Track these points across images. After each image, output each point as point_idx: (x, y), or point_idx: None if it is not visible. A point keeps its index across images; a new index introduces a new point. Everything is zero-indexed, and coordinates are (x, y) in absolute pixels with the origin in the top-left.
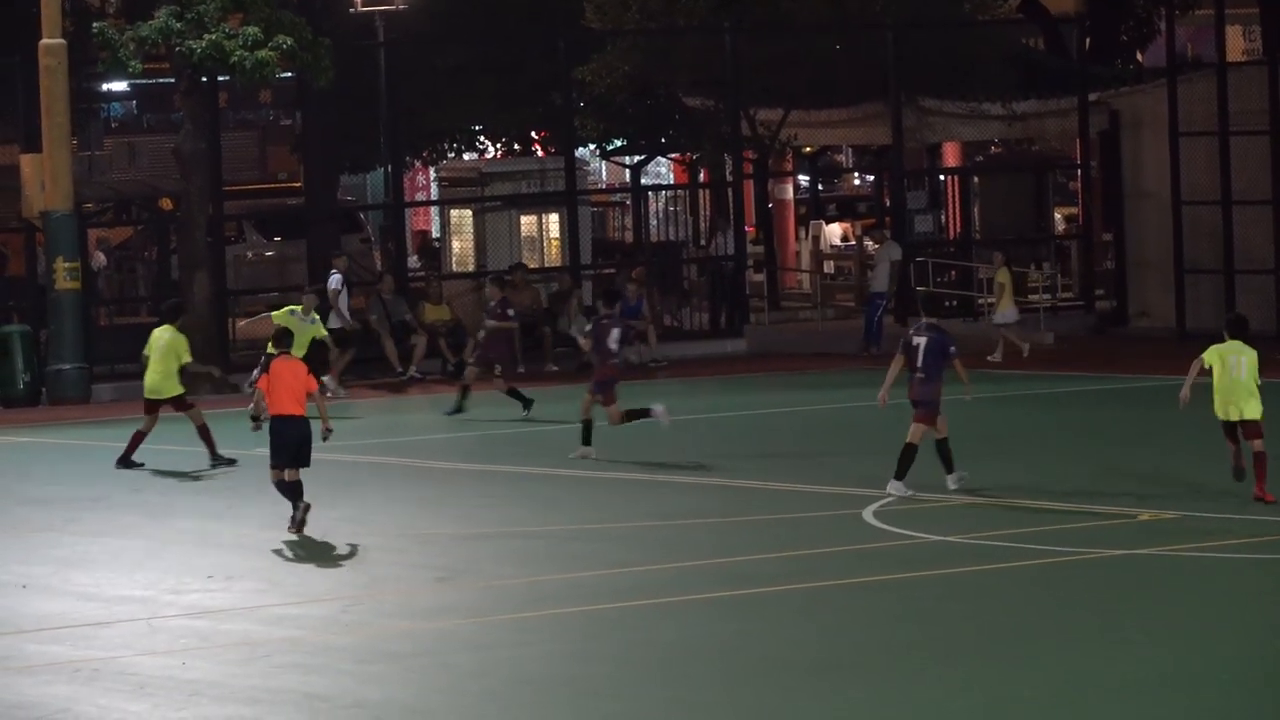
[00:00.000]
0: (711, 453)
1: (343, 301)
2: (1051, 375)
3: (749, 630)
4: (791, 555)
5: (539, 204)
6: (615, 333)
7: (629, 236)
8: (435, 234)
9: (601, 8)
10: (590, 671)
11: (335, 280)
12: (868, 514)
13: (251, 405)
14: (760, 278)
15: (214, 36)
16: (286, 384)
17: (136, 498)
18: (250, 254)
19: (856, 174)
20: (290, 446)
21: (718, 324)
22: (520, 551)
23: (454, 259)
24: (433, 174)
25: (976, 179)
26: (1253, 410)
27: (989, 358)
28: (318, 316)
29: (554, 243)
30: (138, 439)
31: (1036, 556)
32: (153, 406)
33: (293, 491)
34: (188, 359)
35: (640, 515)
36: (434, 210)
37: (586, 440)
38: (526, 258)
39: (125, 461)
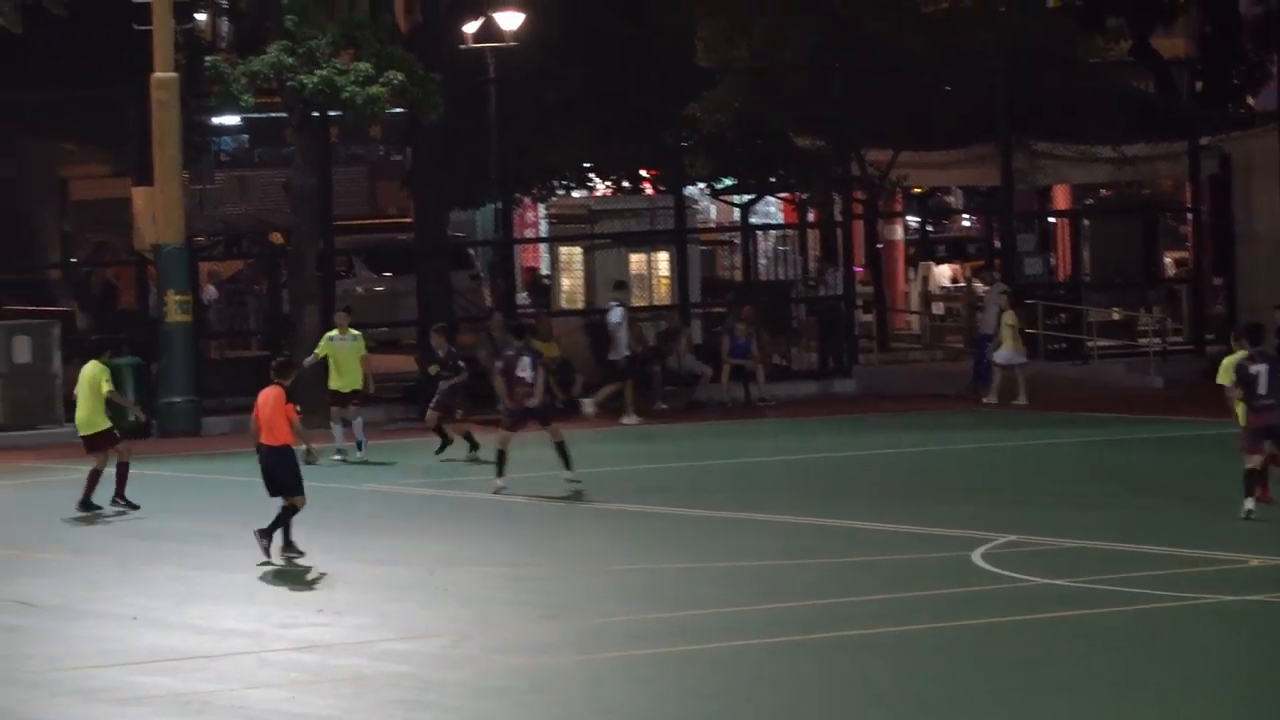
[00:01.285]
0: (819, 493)
1: (623, 333)
2: (1160, 420)
3: (853, 671)
4: (897, 597)
5: (648, 242)
6: (525, 361)
7: (737, 275)
8: (544, 271)
9: (711, 45)
10: (695, 710)
11: (617, 313)
12: (976, 556)
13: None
14: (869, 318)
15: (326, 72)
16: (264, 414)
17: (245, 532)
18: (360, 288)
19: (966, 215)
20: (267, 474)
21: (826, 364)
22: (625, 589)
23: (563, 296)
24: (542, 210)
25: (1086, 222)
26: None
27: (984, 399)
28: (356, 332)
29: (663, 281)
30: (94, 479)
31: (1145, 601)
32: (93, 443)
33: (283, 519)
34: (109, 389)
35: (748, 554)
36: (543, 247)
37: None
38: (636, 296)
39: (85, 504)
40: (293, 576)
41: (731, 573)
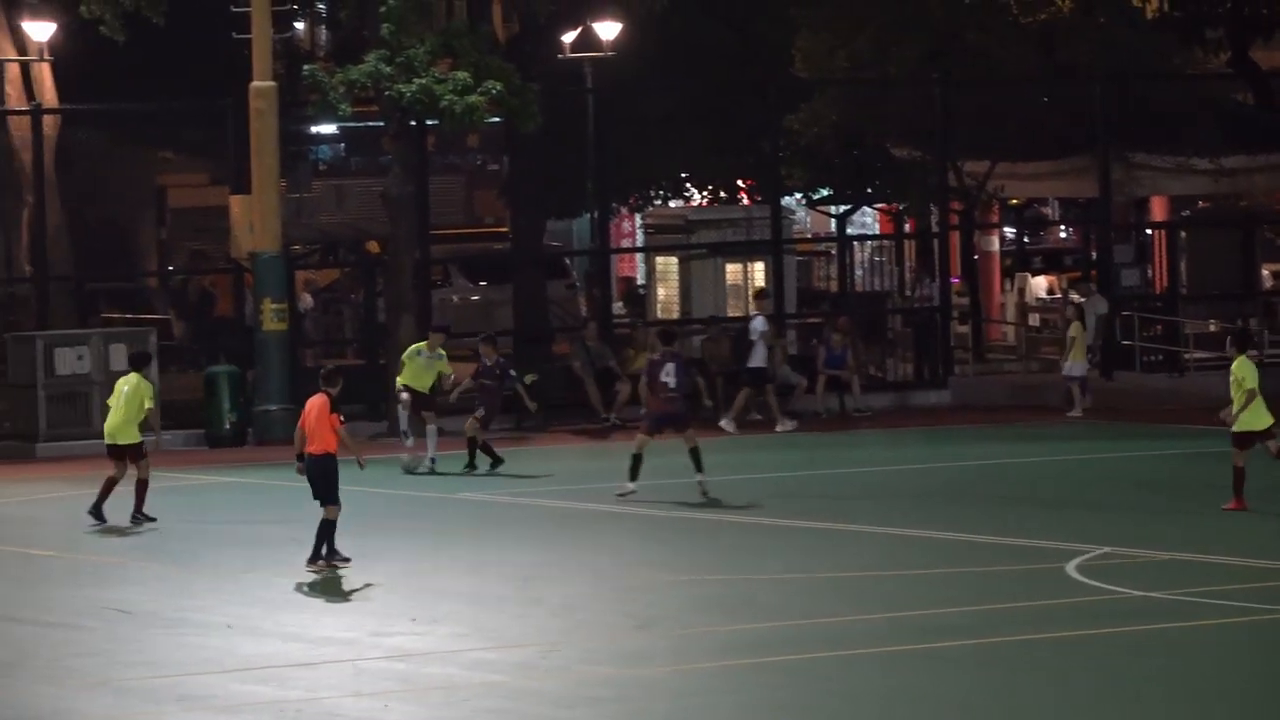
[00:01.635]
0: (912, 504)
1: (760, 344)
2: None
3: (947, 681)
4: (992, 609)
5: (744, 252)
6: (670, 367)
7: (834, 286)
8: (640, 281)
9: (810, 56)
10: None
11: (759, 322)
12: (1071, 568)
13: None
14: (965, 329)
15: (424, 81)
16: (309, 423)
17: (341, 540)
18: (456, 297)
19: (1063, 227)
20: (312, 483)
21: (921, 375)
22: (718, 599)
23: (659, 306)
24: (638, 220)
25: (1184, 234)
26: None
27: (1068, 414)
28: (443, 353)
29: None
30: (109, 487)
31: (1240, 614)
32: (118, 453)
33: (318, 532)
34: (150, 404)
35: (840, 565)
36: (639, 257)
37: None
38: (731, 306)
39: (97, 512)
40: (386, 586)
41: (824, 584)
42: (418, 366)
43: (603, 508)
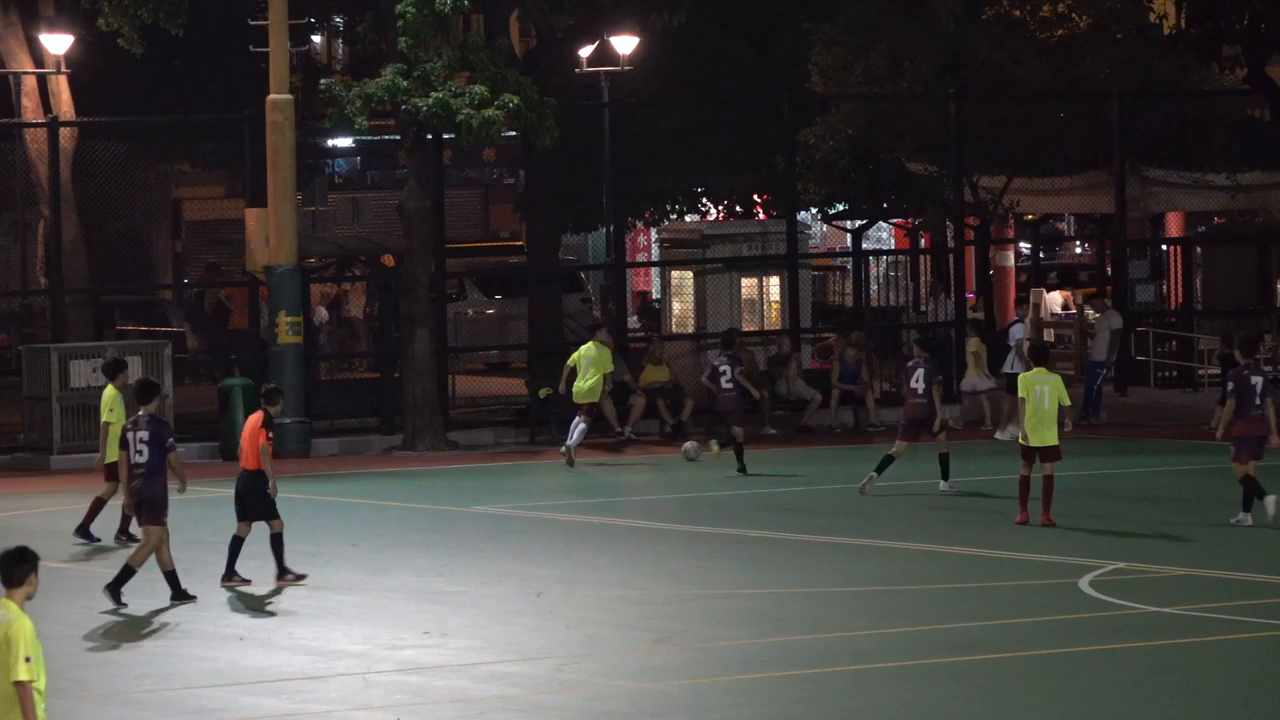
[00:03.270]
0: (926, 519)
1: (1021, 351)
2: (1270, 449)
3: (961, 697)
4: (1010, 623)
5: (760, 266)
6: (920, 374)
7: (849, 301)
8: (655, 295)
9: (825, 71)
10: None
11: (1018, 329)
12: (1084, 584)
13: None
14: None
15: (440, 95)
16: (244, 440)
17: (353, 551)
18: (471, 311)
19: (1078, 242)
20: (239, 499)
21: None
22: (736, 614)
23: (674, 320)
24: (654, 235)
25: (1199, 250)
26: (1054, 437)
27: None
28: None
29: (774, 306)
30: (96, 507)
31: (1255, 630)
32: (111, 471)
33: (271, 545)
34: (107, 419)
35: (858, 580)
36: (655, 271)
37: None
38: (746, 320)
39: (84, 531)
40: (399, 598)
41: (839, 598)
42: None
43: (618, 521)
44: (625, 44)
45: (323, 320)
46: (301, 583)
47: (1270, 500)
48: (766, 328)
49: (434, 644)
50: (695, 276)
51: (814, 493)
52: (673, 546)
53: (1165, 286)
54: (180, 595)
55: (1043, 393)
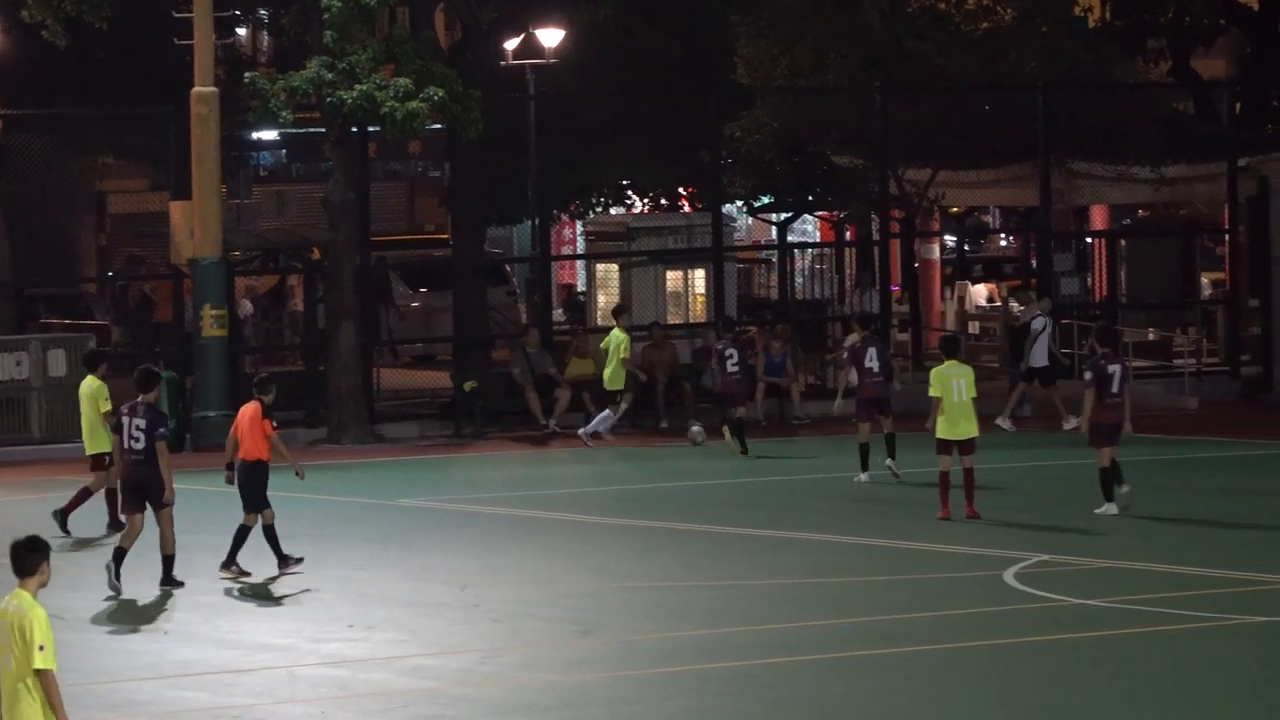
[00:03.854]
0: (851, 511)
1: (1042, 342)
2: (1194, 440)
3: (882, 690)
4: (934, 615)
5: (685, 259)
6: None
7: (774, 293)
8: (581, 288)
9: (751, 64)
10: None
11: (1039, 322)
12: (1008, 576)
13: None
14: (905, 337)
15: (365, 87)
16: (241, 430)
17: (284, 545)
18: (396, 304)
19: (1003, 235)
20: (242, 489)
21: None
22: (659, 606)
23: (599, 313)
24: (579, 228)
25: (1123, 242)
26: (973, 429)
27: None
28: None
29: (699, 298)
30: (84, 496)
31: (1177, 621)
32: (97, 462)
33: (266, 538)
34: (107, 408)
35: (782, 572)
36: (580, 264)
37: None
38: (671, 313)
39: (63, 517)
40: (324, 591)
41: (765, 591)
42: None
43: (543, 514)
44: (551, 37)
45: (247, 313)
46: (298, 568)
47: (1125, 491)
48: (691, 320)
49: (358, 637)
50: (620, 269)
51: (739, 485)
52: (598, 539)
53: (1090, 279)
54: (119, 575)
55: (959, 386)
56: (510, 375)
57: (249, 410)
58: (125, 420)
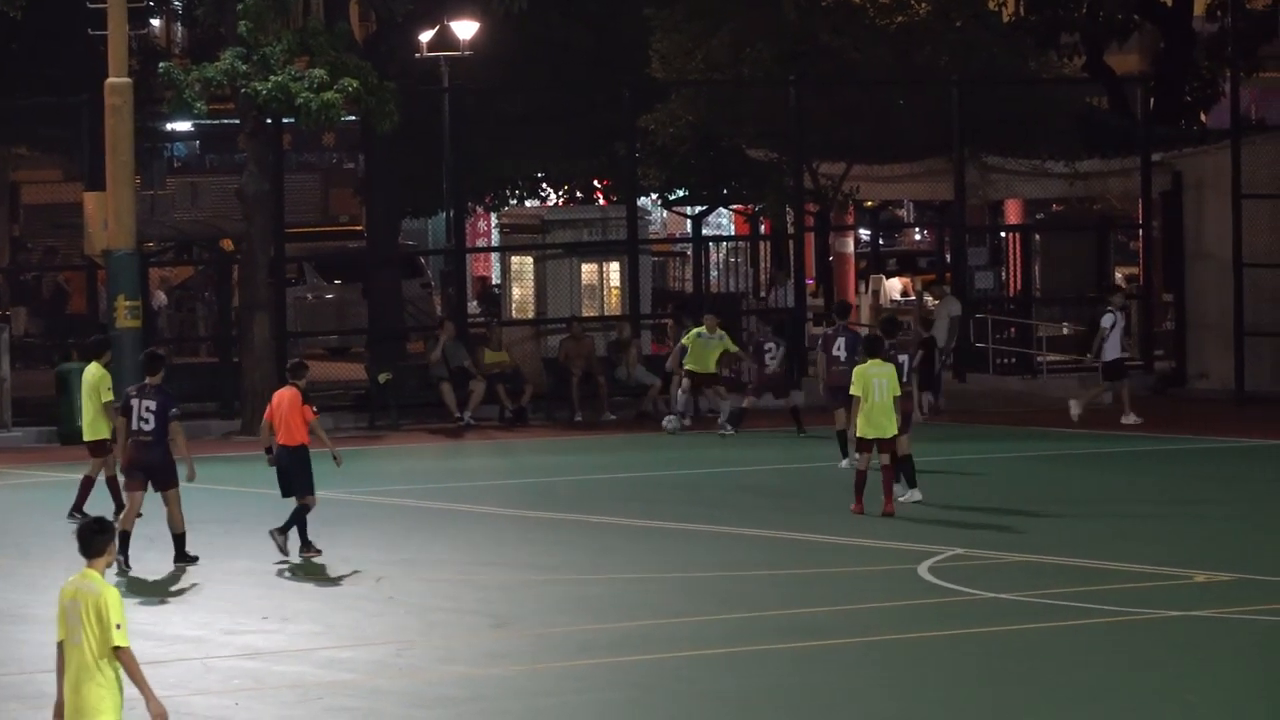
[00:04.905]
0: (765, 505)
1: (1115, 336)
2: (1108, 435)
3: (806, 683)
4: (848, 609)
5: (600, 252)
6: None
7: (689, 287)
8: (495, 280)
9: (666, 58)
10: None
11: (1108, 319)
12: (923, 569)
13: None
14: (820, 331)
15: (280, 79)
16: (280, 414)
17: (195, 536)
18: (310, 296)
19: (918, 229)
20: (282, 475)
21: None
22: (576, 599)
23: (514, 305)
24: (494, 220)
25: (1038, 237)
26: (893, 428)
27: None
28: (724, 333)
29: (614, 291)
30: (87, 486)
31: (1091, 616)
32: (97, 449)
33: (293, 516)
34: (109, 398)
35: (696, 565)
36: (495, 256)
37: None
38: (586, 306)
39: (80, 512)
40: (239, 583)
41: (679, 584)
42: (700, 348)
43: (458, 507)
44: (466, 29)
45: (161, 304)
46: (320, 556)
47: (913, 493)
48: (606, 313)
49: (273, 629)
50: (535, 262)
51: (654, 479)
52: (512, 532)
53: (1004, 273)
54: (184, 557)
55: (880, 385)
56: (425, 367)
57: (286, 395)
58: (135, 402)
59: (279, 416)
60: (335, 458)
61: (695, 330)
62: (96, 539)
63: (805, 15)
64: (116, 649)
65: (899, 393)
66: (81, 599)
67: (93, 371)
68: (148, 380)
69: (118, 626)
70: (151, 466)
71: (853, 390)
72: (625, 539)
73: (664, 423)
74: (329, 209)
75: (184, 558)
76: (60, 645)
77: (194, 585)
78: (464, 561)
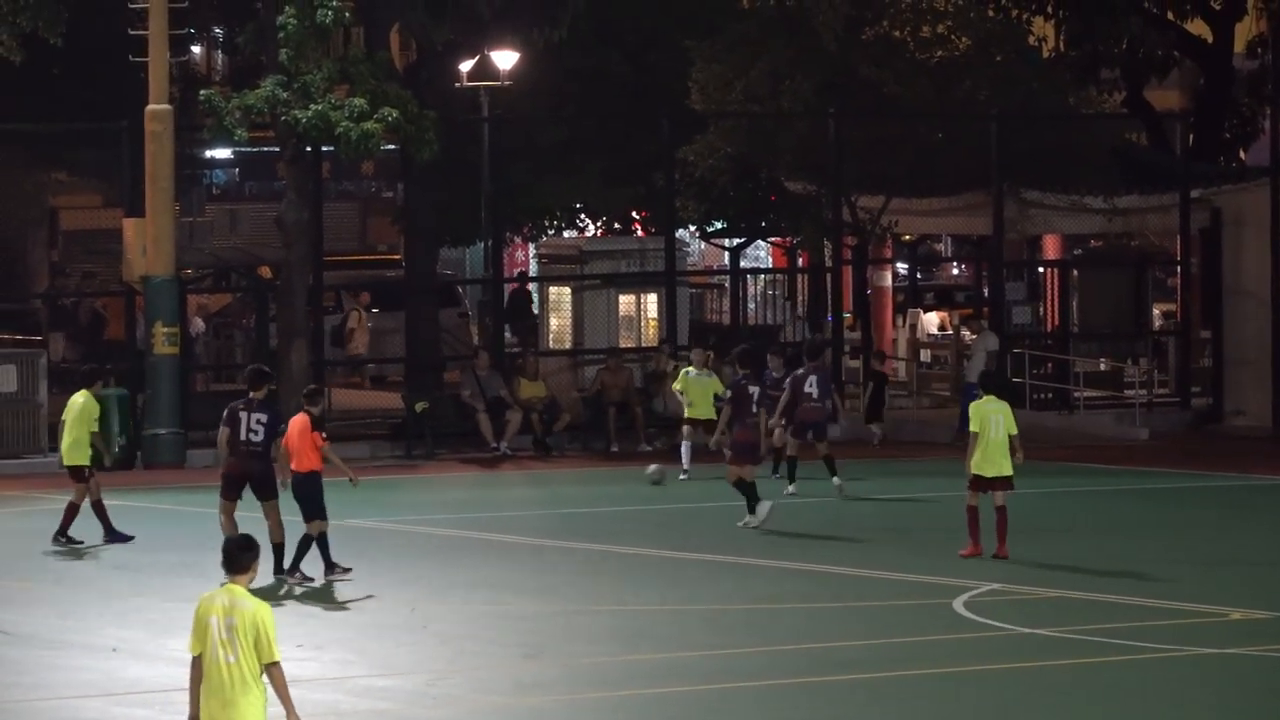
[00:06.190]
0: (804, 538)
1: None
2: (1145, 471)
3: (839, 716)
4: (881, 643)
5: (637, 283)
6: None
7: (726, 319)
8: (533, 310)
9: (705, 89)
10: None
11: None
12: (959, 604)
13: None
14: (856, 364)
15: (320, 107)
16: (292, 442)
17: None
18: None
19: (955, 263)
20: (298, 501)
21: None
22: (609, 630)
23: (551, 336)
24: (532, 250)
25: (1076, 272)
26: (1008, 466)
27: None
28: (713, 372)
29: (651, 323)
30: (72, 511)
31: (1126, 652)
32: (78, 474)
33: (299, 545)
34: (95, 428)
35: (729, 598)
36: (533, 286)
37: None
38: (624, 337)
39: (63, 535)
40: (275, 612)
41: (716, 616)
42: (697, 390)
43: (491, 536)
44: (505, 59)
45: (199, 331)
46: (349, 576)
47: (765, 506)
48: (644, 345)
49: (307, 657)
50: (573, 293)
51: (686, 510)
52: (546, 562)
53: (1042, 308)
54: (285, 569)
55: (998, 422)
56: (461, 397)
57: (297, 422)
58: (243, 415)
59: (290, 443)
60: (351, 481)
61: (684, 370)
62: (243, 556)
63: (845, 48)
64: (274, 663)
65: (1014, 430)
66: (236, 615)
67: (82, 399)
68: (252, 395)
69: (273, 642)
70: (254, 477)
71: (971, 427)
72: (657, 570)
73: (647, 471)
74: (367, 237)
75: (287, 569)
76: (196, 659)
77: None
78: (497, 591)
